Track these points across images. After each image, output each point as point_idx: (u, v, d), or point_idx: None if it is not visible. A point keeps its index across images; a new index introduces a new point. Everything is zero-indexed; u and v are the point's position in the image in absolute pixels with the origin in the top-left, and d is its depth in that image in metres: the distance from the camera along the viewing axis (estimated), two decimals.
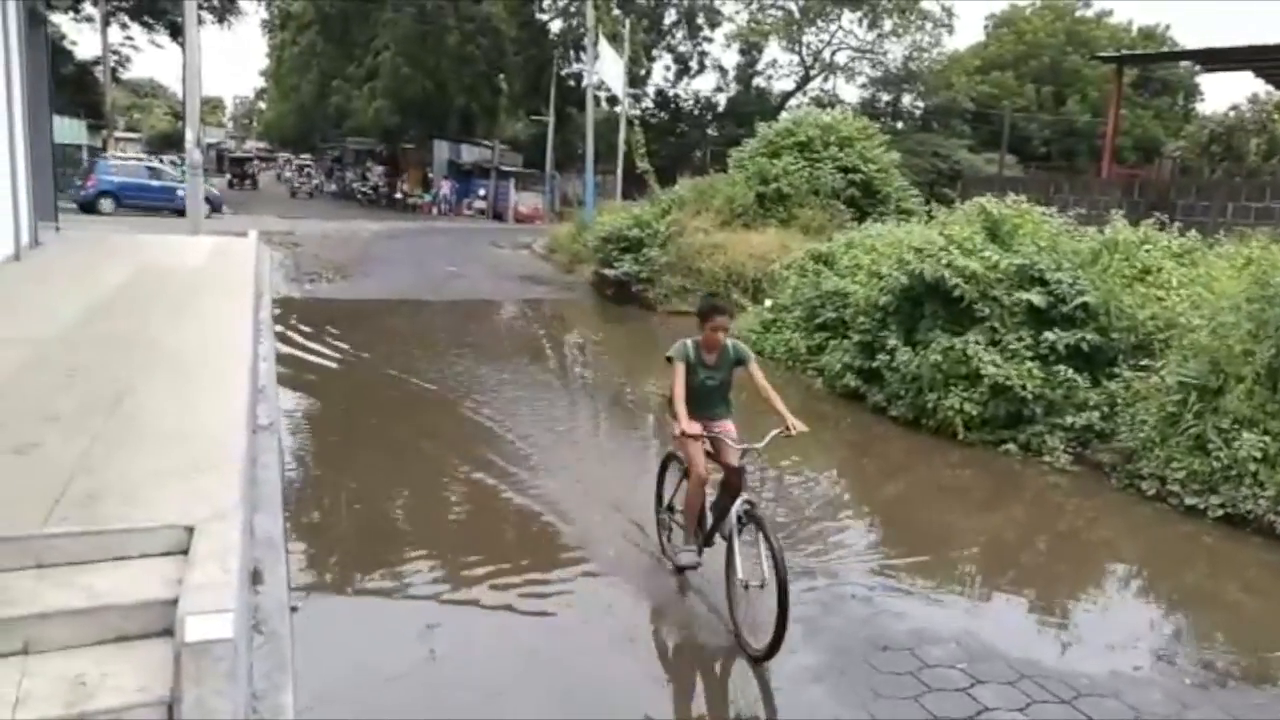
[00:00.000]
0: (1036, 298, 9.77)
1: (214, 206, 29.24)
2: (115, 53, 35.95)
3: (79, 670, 3.31)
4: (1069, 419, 9.07)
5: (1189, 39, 61.85)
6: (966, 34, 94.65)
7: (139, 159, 32.33)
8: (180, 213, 26.27)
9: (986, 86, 48.10)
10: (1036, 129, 47.70)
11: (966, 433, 9.40)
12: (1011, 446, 9.13)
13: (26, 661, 3.34)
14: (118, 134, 37.03)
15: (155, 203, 27.50)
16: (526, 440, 8.81)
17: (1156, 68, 45.17)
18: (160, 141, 54.09)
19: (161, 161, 33.88)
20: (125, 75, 42.34)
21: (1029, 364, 9.36)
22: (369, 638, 5.12)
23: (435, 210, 40.83)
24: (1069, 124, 47.22)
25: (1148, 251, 11.27)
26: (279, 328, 12.92)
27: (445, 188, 41.92)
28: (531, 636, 5.23)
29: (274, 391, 9.03)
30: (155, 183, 28.68)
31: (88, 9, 34.15)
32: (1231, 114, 32.92)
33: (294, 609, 4.98)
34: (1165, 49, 44.55)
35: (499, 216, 40.53)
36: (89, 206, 26.16)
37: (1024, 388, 9.17)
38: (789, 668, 4.99)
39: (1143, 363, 9.16)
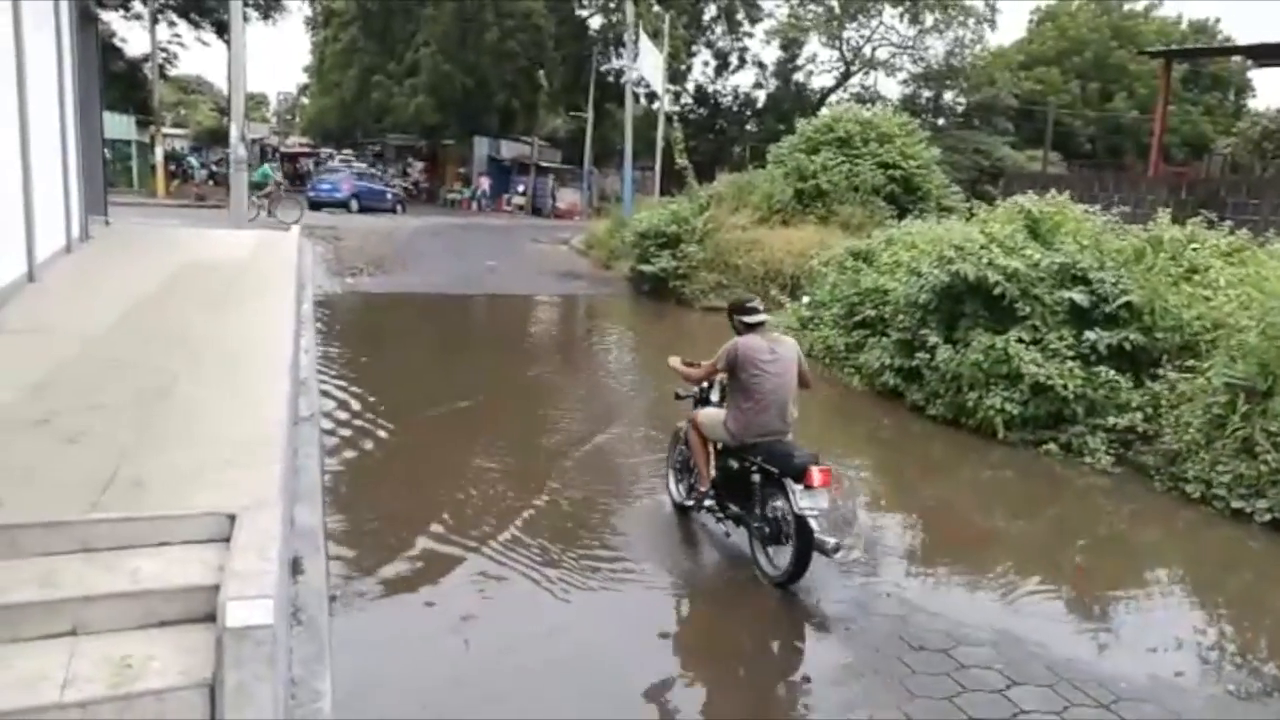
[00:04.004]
0: (1078, 296, 9.64)
1: (403, 206, 35.43)
2: (163, 50, 36.39)
3: (124, 652, 3.38)
4: (1111, 420, 8.94)
5: (1240, 33, 60.56)
6: (1010, 29, 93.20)
7: (368, 171, 38.77)
8: (390, 209, 33.78)
9: (1030, 82, 47.37)
10: (1081, 126, 46.94)
11: (1006, 432, 9.29)
12: (1052, 447, 9.01)
13: (75, 643, 3.42)
14: (165, 130, 37.54)
15: (377, 203, 33.81)
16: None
17: (1206, 63, 44.24)
18: (206, 137, 54.73)
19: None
20: (173, 72, 42.87)
21: (1070, 363, 9.24)
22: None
23: (474, 206, 41.09)
24: (1115, 121, 46.40)
25: (1195, 250, 11.06)
26: (318, 322, 13.08)
27: (484, 184, 42.16)
28: None
29: (315, 384, 9.16)
30: (378, 187, 35.46)
31: (137, 7, 34.64)
32: None
33: (332, 598, 5.05)
34: (1216, 43, 43.64)
35: (538, 212, 40.69)
36: (315, 205, 30.73)
37: (1065, 387, 9.05)
38: (823, 665, 4.98)
39: (1188, 363, 8.99)
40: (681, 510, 6.80)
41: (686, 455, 6.59)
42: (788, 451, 5.69)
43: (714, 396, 6.52)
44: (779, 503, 5.65)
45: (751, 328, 5.99)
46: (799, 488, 5.47)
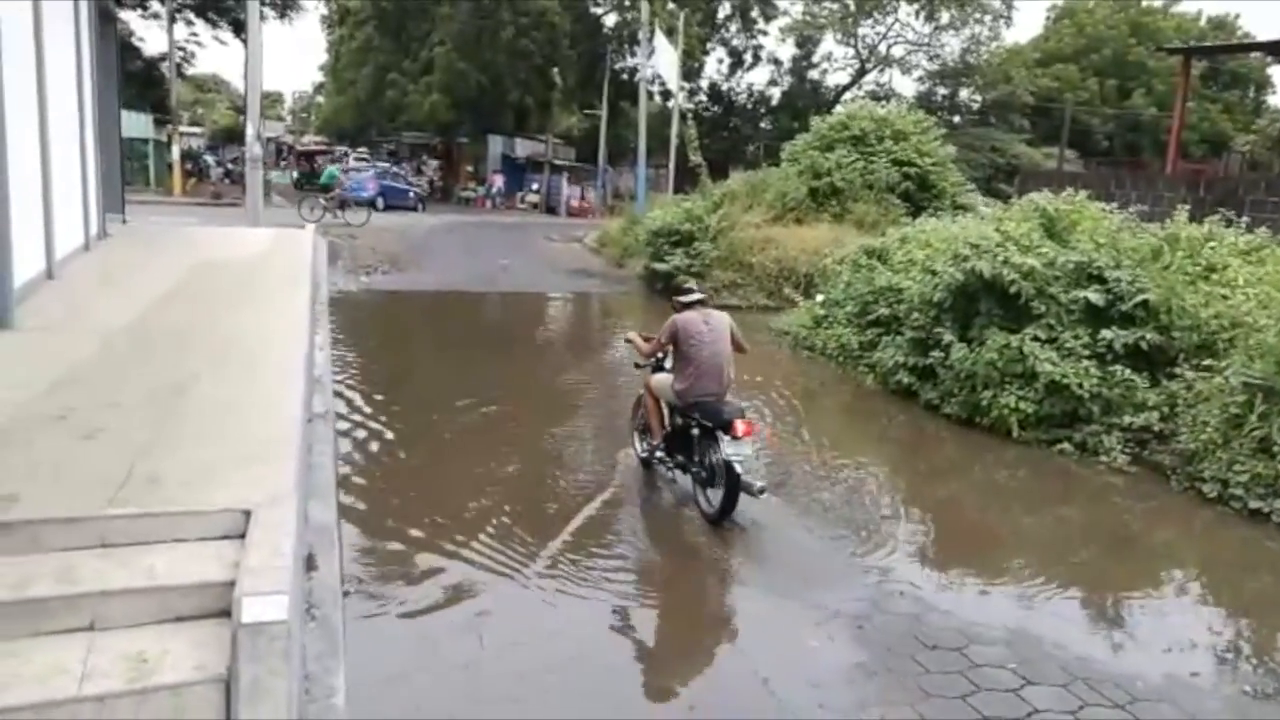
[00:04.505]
0: (1094, 295, 9.59)
1: (424, 204, 36.34)
2: (180, 49, 36.61)
3: (141, 647, 3.40)
4: (1127, 419, 8.89)
5: (1260, 29, 60.03)
6: (1026, 26, 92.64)
7: (392, 169, 40.31)
8: (412, 208, 34.79)
9: (1047, 80, 47.13)
10: (1099, 123, 46.68)
11: (1021, 431, 9.24)
12: (1067, 446, 8.96)
13: (92, 638, 3.45)
14: (182, 128, 37.81)
15: (400, 201, 34.80)
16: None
17: (1226, 59, 43.93)
18: (222, 135, 55.02)
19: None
20: (190, 71, 43.13)
21: (1086, 362, 9.19)
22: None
23: (489, 204, 41.19)
24: (1133, 118, 46.10)
25: (1213, 249, 10.98)
26: (333, 319, 13.13)
27: (498, 182, 42.27)
28: None
29: (329, 381, 9.20)
30: (401, 185, 36.60)
31: (154, 6, 34.90)
32: None
33: (346, 594, 5.08)
34: (1235, 40, 43.27)
35: (551, 210, 40.73)
36: (342, 204, 31.54)
37: (1080, 386, 9.00)
38: (836, 664, 4.97)
39: (1205, 363, 8.92)
40: (645, 464, 7.71)
41: (646, 417, 7.49)
42: (720, 408, 6.65)
43: (668, 364, 7.30)
44: (714, 453, 6.55)
45: (689, 305, 7.01)
46: (727, 438, 6.38)
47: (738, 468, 6.37)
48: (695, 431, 6.81)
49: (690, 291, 7.16)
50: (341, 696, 3.94)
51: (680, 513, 7.00)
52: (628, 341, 7.84)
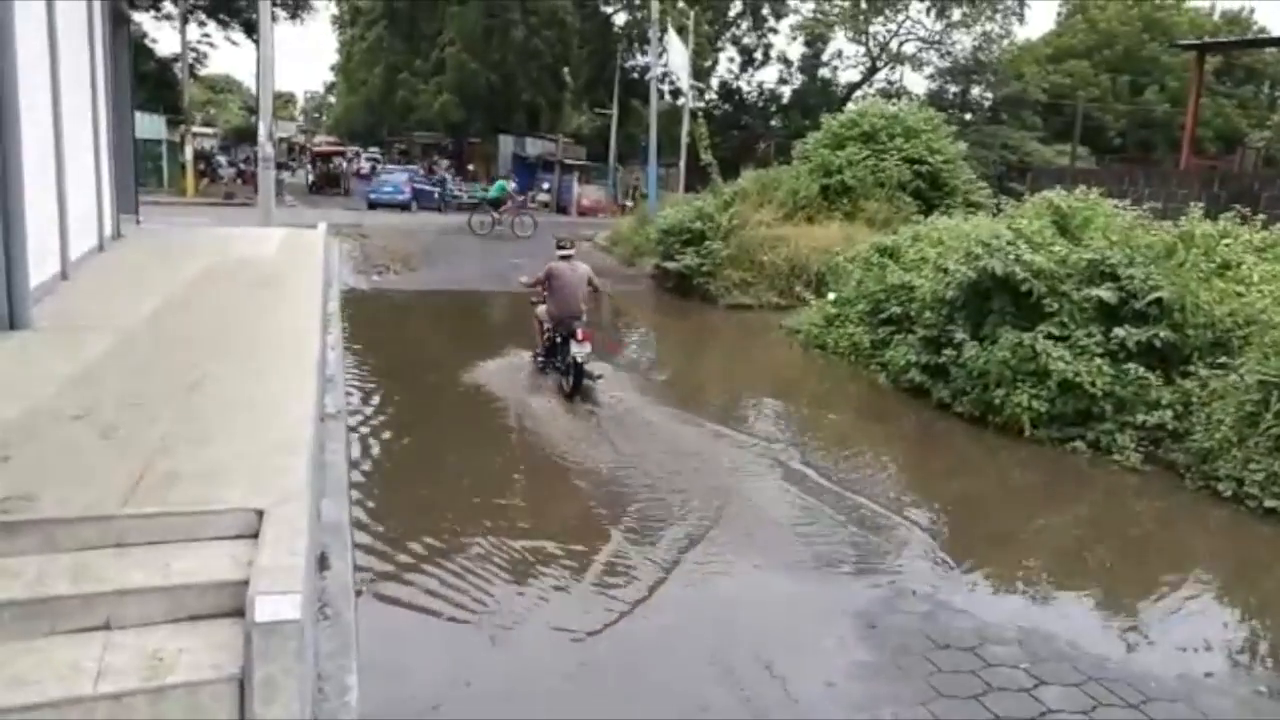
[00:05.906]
0: (1107, 293, 9.54)
1: (446, 204, 36.65)
2: (193, 50, 36.78)
3: (156, 646, 3.43)
4: (1140, 417, 8.84)
5: (1275, 24, 59.57)
6: (1039, 23, 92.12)
7: (416, 170, 41.34)
8: (437, 208, 35.28)
9: (1059, 76, 46.86)
10: (1111, 120, 46.36)
11: (1033, 430, 9.20)
12: (1080, 444, 8.92)
13: (108, 636, 3.47)
14: (195, 129, 37.95)
15: (432, 203, 36.14)
16: None
17: (1241, 55, 43.56)
18: (234, 135, 55.23)
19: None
20: (202, 71, 43.37)
21: (1099, 361, 9.14)
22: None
23: None
24: (1146, 114, 45.77)
25: (1227, 246, 10.91)
26: (345, 319, 13.17)
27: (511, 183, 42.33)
28: None
29: (341, 381, 9.24)
30: (431, 188, 37.69)
31: (167, 7, 35.11)
32: None
33: (358, 593, 5.10)
34: (1249, 35, 42.96)
35: (562, 210, 40.72)
36: (373, 206, 34.06)
37: (1093, 385, 8.96)
38: (848, 663, 4.96)
39: (1220, 360, 8.87)
40: (540, 370, 10.54)
41: (535, 336, 10.62)
42: (571, 324, 9.72)
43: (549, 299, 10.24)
44: (568, 354, 9.65)
45: (563, 258, 10.23)
46: (574, 342, 9.55)
47: (579, 358, 9.53)
48: (559, 340, 9.91)
49: (564, 247, 10.40)
50: (354, 695, 3.96)
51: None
52: (521, 282, 11.02)
